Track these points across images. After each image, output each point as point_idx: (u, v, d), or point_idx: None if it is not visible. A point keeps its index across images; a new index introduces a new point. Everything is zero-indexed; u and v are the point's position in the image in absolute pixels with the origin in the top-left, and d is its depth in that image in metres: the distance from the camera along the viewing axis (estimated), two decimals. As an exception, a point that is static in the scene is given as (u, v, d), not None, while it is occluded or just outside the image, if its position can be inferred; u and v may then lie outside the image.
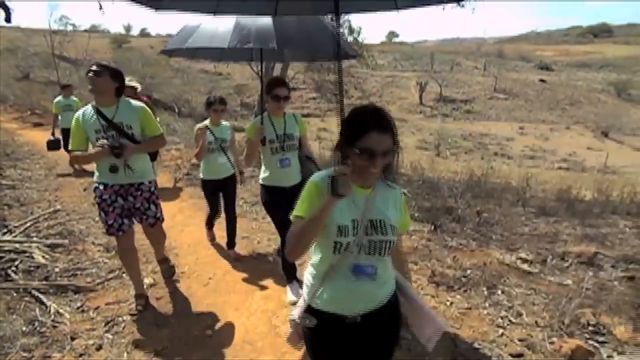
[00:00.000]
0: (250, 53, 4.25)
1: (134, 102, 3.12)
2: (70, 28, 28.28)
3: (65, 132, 7.07)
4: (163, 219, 3.39)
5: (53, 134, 7.70)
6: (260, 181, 3.44)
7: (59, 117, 7.63)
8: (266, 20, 3.23)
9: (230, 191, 4.37)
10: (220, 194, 4.40)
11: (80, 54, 28.72)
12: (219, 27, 3.35)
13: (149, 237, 3.58)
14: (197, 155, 4.11)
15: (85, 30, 40.07)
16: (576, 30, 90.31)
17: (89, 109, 2.98)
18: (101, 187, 3.03)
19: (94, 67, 2.89)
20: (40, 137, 10.05)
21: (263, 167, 3.42)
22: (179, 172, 7.64)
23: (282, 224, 3.24)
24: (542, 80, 40.41)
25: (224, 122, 4.35)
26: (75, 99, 7.79)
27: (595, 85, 40.09)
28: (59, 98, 7.68)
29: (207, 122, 4.20)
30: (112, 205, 3.05)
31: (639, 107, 34.72)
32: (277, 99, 3.20)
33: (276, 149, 3.27)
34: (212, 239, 4.77)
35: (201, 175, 4.34)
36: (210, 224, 4.71)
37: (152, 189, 3.21)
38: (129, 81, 5.29)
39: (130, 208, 3.14)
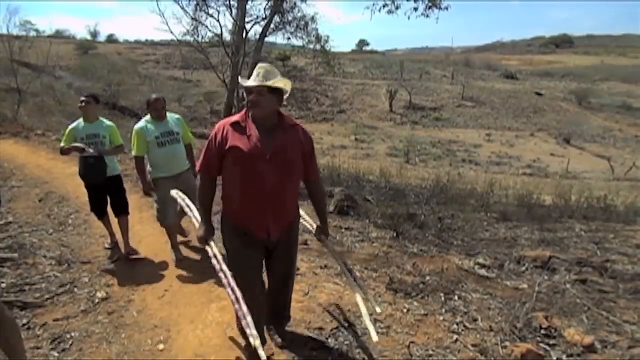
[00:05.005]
0: None
1: None
2: (33, 33, 27.19)
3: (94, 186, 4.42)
4: None
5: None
6: None
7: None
8: None
9: None
10: None
11: (44, 60, 27.80)
12: None
13: None
14: None
15: (49, 36, 38.88)
16: (539, 40, 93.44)
17: None
18: None
19: None
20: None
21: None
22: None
23: None
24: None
25: None
26: (109, 123, 4.49)
27: (557, 94, 41.49)
28: (79, 123, 4.37)
29: None
30: None
31: (598, 115, 36.13)
32: None
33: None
34: None
35: None
36: None
37: None
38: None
39: None
